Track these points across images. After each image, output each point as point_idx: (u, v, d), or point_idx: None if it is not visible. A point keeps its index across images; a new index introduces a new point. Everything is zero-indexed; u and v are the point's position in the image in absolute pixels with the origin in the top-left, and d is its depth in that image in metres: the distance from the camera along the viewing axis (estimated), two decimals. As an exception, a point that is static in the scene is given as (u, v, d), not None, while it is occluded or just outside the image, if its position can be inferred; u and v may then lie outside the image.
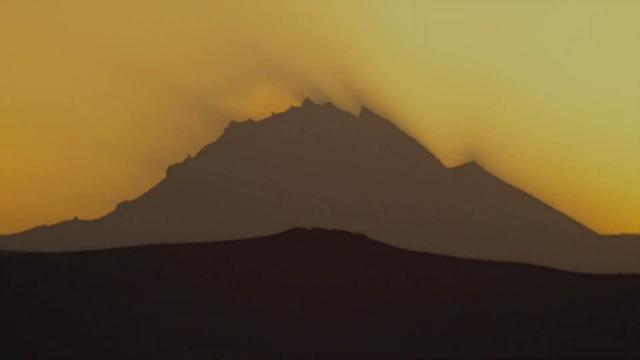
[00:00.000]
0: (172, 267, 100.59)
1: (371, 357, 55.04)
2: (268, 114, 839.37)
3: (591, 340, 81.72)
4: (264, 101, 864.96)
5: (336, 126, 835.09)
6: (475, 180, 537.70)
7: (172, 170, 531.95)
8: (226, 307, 62.47)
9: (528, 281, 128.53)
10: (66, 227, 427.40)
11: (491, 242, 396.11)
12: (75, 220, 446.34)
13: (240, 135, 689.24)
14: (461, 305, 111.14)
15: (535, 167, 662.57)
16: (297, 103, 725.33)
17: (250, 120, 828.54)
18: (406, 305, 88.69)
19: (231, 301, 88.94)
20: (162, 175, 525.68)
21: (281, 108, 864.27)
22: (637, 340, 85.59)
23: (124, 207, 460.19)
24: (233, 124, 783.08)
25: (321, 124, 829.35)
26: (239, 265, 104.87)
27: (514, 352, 73.58)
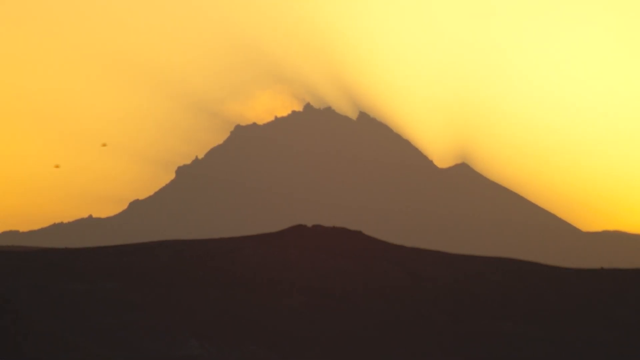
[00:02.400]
0: (180, 263, 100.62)
1: (370, 347, 54.84)
2: (271, 118, 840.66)
3: (576, 329, 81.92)
4: (267, 106, 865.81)
5: (335, 129, 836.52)
6: (465, 180, 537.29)
7: (180, 170, 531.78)
8: (231, 300, 62.17)
9: (516, 275, 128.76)
10: (81, 224, 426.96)
11: (481, 238, 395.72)
12: (90, 217, 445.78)
13: (245, 138, 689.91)
14: (454, 297, 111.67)
15: (523, 168, 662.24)
16: (299, 107, 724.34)
17: (254, 124, 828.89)
18: (401, 297, 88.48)
19: (236, 294, 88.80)
20: (172, 175, 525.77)
21: (283, 112, 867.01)
22: (618, 328, 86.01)
23: (135, 206, 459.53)
24: (238, 127, 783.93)
25: (321, 127, 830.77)
26: (244, 261, 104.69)
27: (504, 343, 73.51)
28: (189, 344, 44.98)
